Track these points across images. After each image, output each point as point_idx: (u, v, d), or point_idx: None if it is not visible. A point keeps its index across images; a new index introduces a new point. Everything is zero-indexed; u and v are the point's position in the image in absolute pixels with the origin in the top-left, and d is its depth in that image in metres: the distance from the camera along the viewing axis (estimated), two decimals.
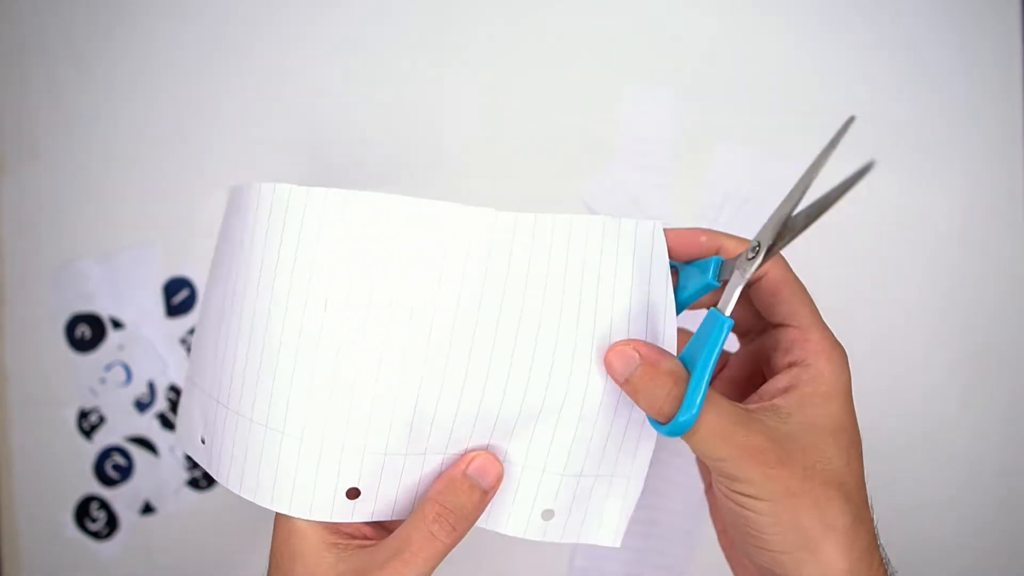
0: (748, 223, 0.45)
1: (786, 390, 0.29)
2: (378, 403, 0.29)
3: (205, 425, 0.32)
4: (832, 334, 0.30)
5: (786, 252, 0.29)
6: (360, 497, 0.30)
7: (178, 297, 0.48)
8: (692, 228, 0.31)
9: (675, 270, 0.32)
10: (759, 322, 0.33)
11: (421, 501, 0.30)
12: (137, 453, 0.48)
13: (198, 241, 0.48)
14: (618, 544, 0.32)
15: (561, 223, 0.29)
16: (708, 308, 0.29)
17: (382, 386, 0.29)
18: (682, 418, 0.27)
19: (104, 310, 0.48)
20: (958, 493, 0.46)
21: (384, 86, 0.48)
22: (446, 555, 0.29)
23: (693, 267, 0.31)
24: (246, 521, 0.48)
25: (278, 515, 0.31)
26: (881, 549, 0.29)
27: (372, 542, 0.30)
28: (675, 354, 0.29)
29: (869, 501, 0.30)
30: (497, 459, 0.30)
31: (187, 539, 0.48)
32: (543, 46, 0.47)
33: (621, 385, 0.29)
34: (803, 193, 0.27)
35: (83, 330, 0.48)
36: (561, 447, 0.30)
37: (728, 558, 0.35)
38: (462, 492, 0.29)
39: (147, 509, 0.48)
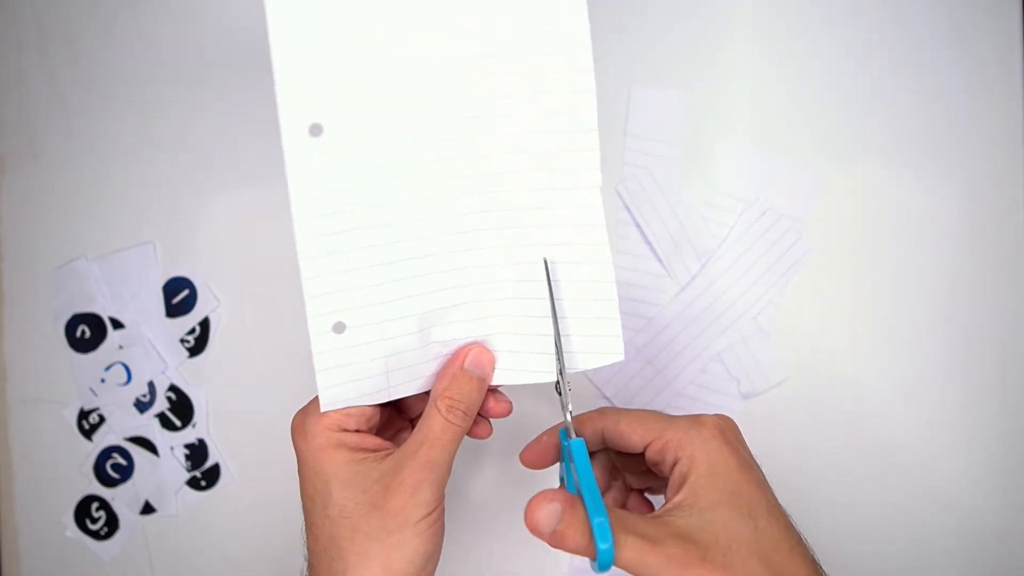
0: (754, 223, 0.45)
1: (679, 487, 0.31)
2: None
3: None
4: (685, 420, 0.32)
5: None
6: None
7: (178, 297, 0.48)
8: (537, 441, 0.36)
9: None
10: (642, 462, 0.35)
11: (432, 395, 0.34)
12: (137, 453, 0.48)
13: (198, 241, 0.48)
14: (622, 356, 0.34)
15: None
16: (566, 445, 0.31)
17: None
18: (601, 547, 0.28)
19: (104, 310, 0.48)
20: (957, 490, 0.46)
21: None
22: (463, 437, 0.33)
23: (565, 454, 0.33)
24: (246, 520, 0.48)
25: (298, 453, 0.33)
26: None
27: (389, 450, 0.33)
28: None
29: (802, 538, 0.31)
30: (487, 348, 0.34)
31: (187, 539, 0.49)
32: None
33: (548, 537, 0.29)
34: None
35: (83, 330, 0.48)
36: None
37: None
38: (464, 384, 0.33)
39: (147, 509, 0.48)
